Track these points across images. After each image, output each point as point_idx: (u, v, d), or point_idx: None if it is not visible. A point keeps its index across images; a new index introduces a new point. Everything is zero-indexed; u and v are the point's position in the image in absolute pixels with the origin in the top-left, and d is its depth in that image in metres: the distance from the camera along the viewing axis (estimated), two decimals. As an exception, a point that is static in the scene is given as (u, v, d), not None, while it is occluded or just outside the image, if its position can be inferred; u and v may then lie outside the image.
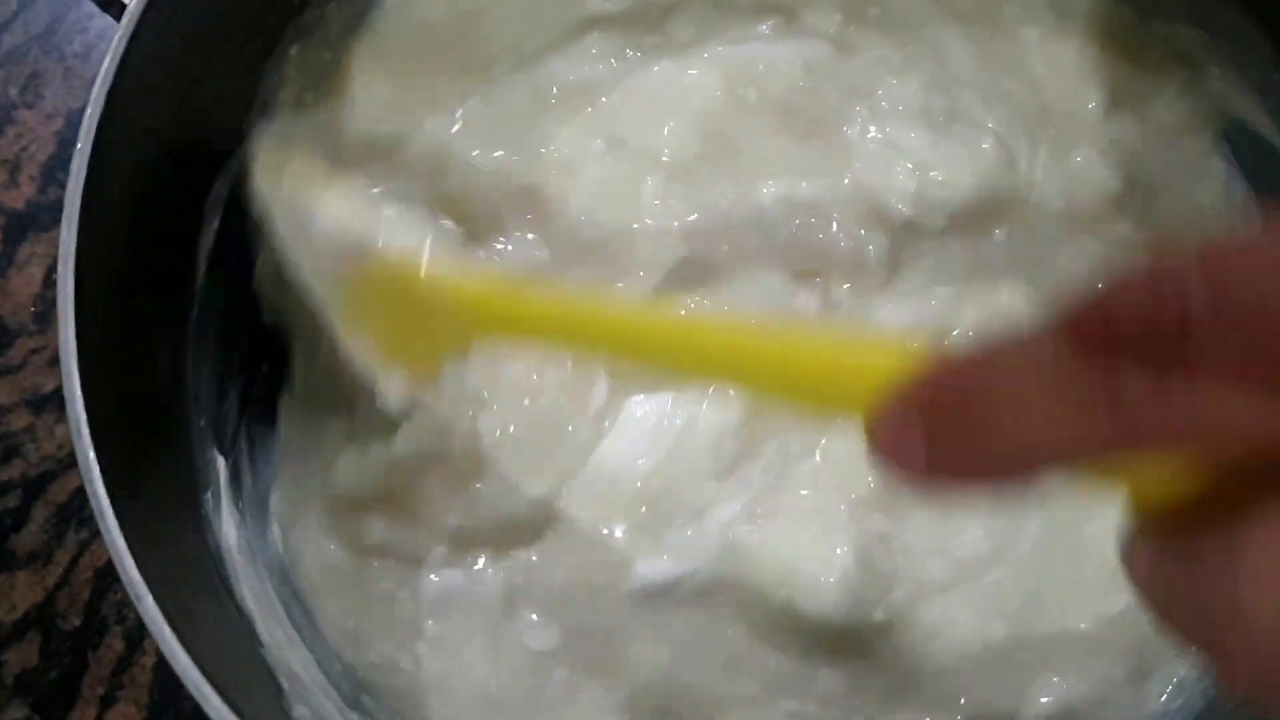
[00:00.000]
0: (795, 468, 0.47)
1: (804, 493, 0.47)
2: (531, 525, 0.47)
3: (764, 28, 0.51)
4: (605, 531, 0.46)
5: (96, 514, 0.38)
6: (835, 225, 0.48)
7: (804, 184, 0.48)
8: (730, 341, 0.31)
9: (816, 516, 0.46)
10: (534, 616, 0.47)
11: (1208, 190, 0.52)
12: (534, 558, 0.47)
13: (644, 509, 0.47)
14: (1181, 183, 0.52)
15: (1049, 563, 0.46)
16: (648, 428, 0.47)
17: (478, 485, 0.47)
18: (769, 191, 0.48)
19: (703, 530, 0.46)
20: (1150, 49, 0.52)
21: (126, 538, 0.37)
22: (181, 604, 0.39)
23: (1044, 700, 0.46)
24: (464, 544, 0.47)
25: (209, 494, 0.46)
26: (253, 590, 0.46)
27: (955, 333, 0.48)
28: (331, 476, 0.48)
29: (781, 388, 0.30)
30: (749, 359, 0.30)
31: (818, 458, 0.47)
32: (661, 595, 0.46)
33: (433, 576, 0.47)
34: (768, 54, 0.50)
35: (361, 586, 0.48)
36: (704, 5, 0.51)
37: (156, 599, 0.37)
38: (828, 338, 0.29)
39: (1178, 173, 0.52)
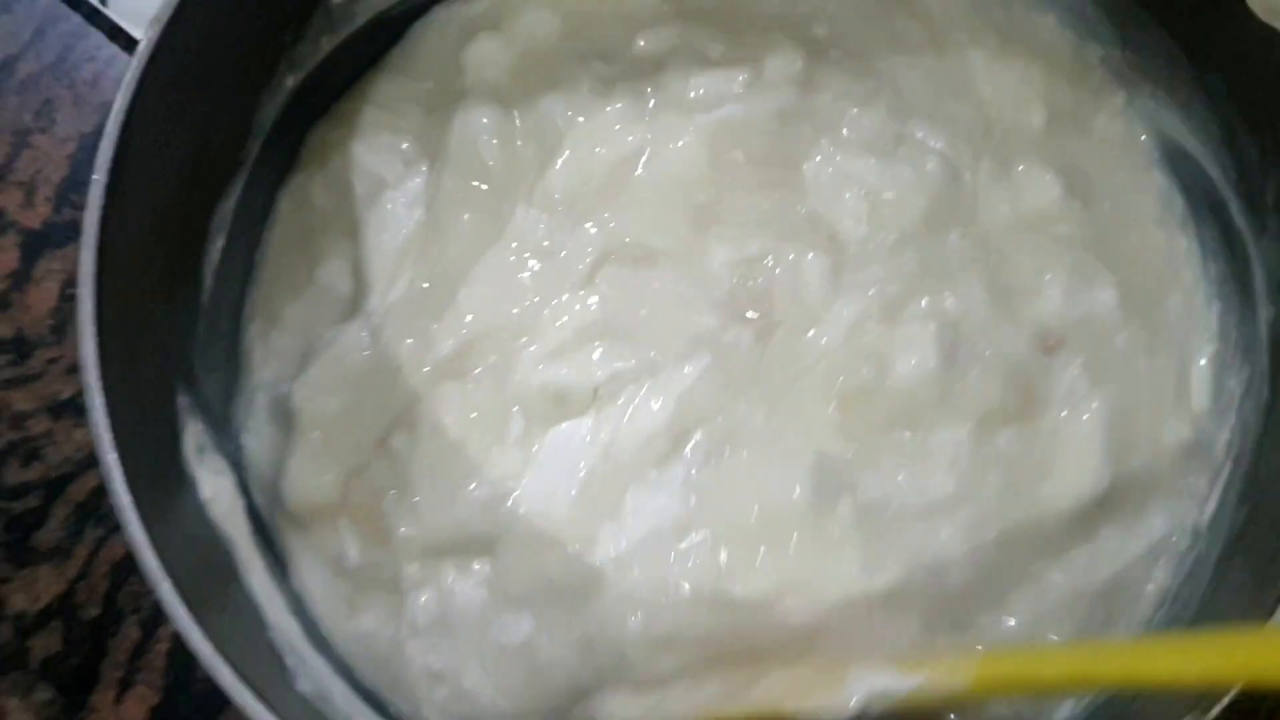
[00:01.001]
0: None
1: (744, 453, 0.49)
2: (484, 535, 0.49)
3: (736, 85, 0.53)
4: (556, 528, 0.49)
5: (116, 508, 0.41)
6: (777, 268, 0.51)
7: (754, 243, 0.51)
8: None
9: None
10: (508, 617, 0.49)
11: (1148, 202, 0.55)
12: (491, 566, 0.49)
13: (591, 498, 0.49)
14: (1122, 193, 0.55)
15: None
16: (575, 446, 0.49)
17: (416, 498, 0.49)
18: (719, 256, 0.51)
19: (659, 489, 0.49)
20: (1089, 71, 0.56)
21: (146, 529, 0.41)
22: (194, 590, 0.42)
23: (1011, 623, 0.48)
24: (430, 556, 0.49)
25: (214, 493, 0.49)
26: (260, 582, 0.49)
27: (908, 313, 0.51)
28: (282, 487, 0.51)
29: None
30: None
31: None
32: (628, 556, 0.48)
33: (420, 600, 0.49)
34: (744, 112, 0.52)
35: (354, 619, 0.50)
36: (686, 59, 0.54)
37: (174, 583, 0.40)
38: None
39: (1118, 184, 0.55)
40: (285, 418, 0.51)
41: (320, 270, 0.54)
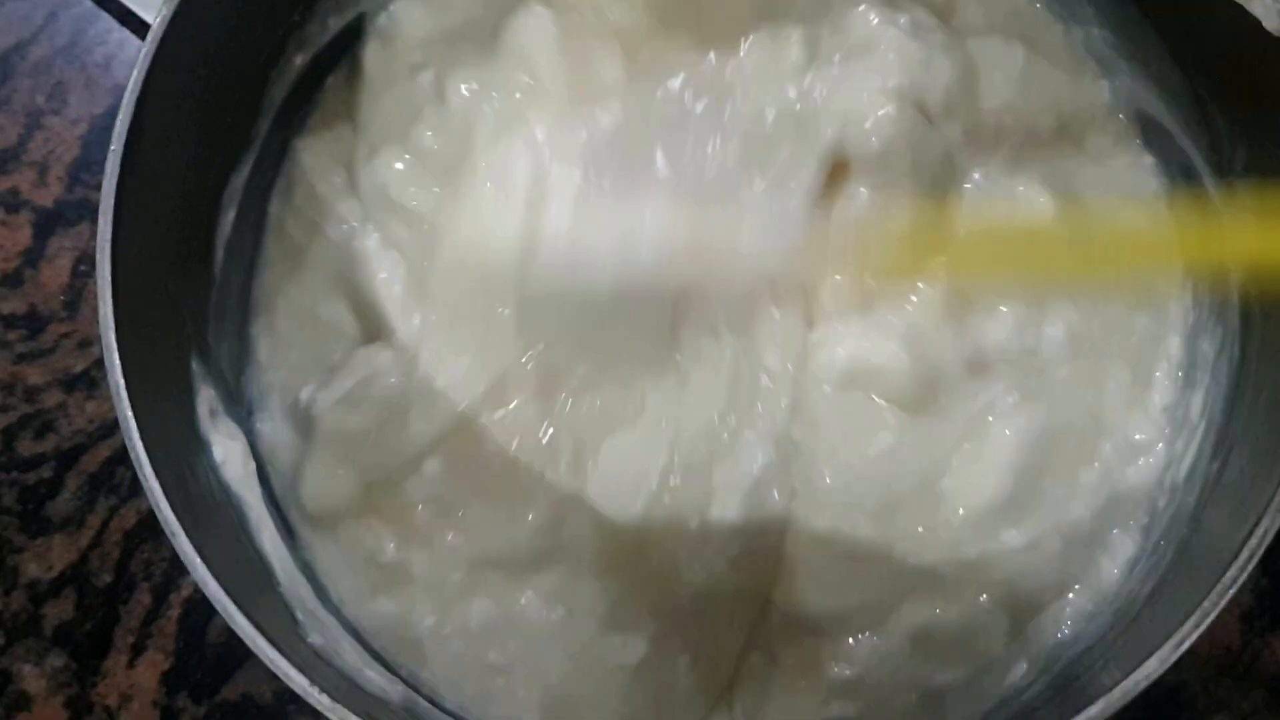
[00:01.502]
0: None
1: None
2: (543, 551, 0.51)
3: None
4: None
5: (135, 463, 0.43)
6: None
7: None
8: None
9: None
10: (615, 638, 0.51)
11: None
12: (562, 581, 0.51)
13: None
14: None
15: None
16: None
17: (460, 513, 0.51)
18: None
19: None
20: (1073, 48, 0.57)
21: (161, 482, 0.43)
22: (208, 542, 0.44)
23: (912, 619, 0.50)
24: (479, 567, 0.51)
25: (225, 456, 0.51)
26: (271, 542, 0.51)
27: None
28: (300, 490, 0.52)
29: None
30: None
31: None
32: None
33: (472, 607, 0.51)
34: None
35: (375, 601, 0.52)
36: None
37: (188, 535, 0.42)
38: None
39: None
40: (304, 423, 0.52)
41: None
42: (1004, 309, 0.53)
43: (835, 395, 0.52)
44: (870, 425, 0.52)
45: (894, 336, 0.52)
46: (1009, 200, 0.54)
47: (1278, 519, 0.41)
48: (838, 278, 0.52)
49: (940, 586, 0.51)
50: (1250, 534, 0.41)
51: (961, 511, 0.51)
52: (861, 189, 0.52)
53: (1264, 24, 0.45)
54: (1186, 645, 0.40)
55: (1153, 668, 0.40)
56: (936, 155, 0.53)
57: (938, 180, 0.53)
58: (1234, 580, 0.40)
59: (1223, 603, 0.40)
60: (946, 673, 0.51)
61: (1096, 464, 0.53)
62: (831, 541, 0.51)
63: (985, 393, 0.52)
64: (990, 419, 0.52)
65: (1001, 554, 0.51)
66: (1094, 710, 0.40)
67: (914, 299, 0.52)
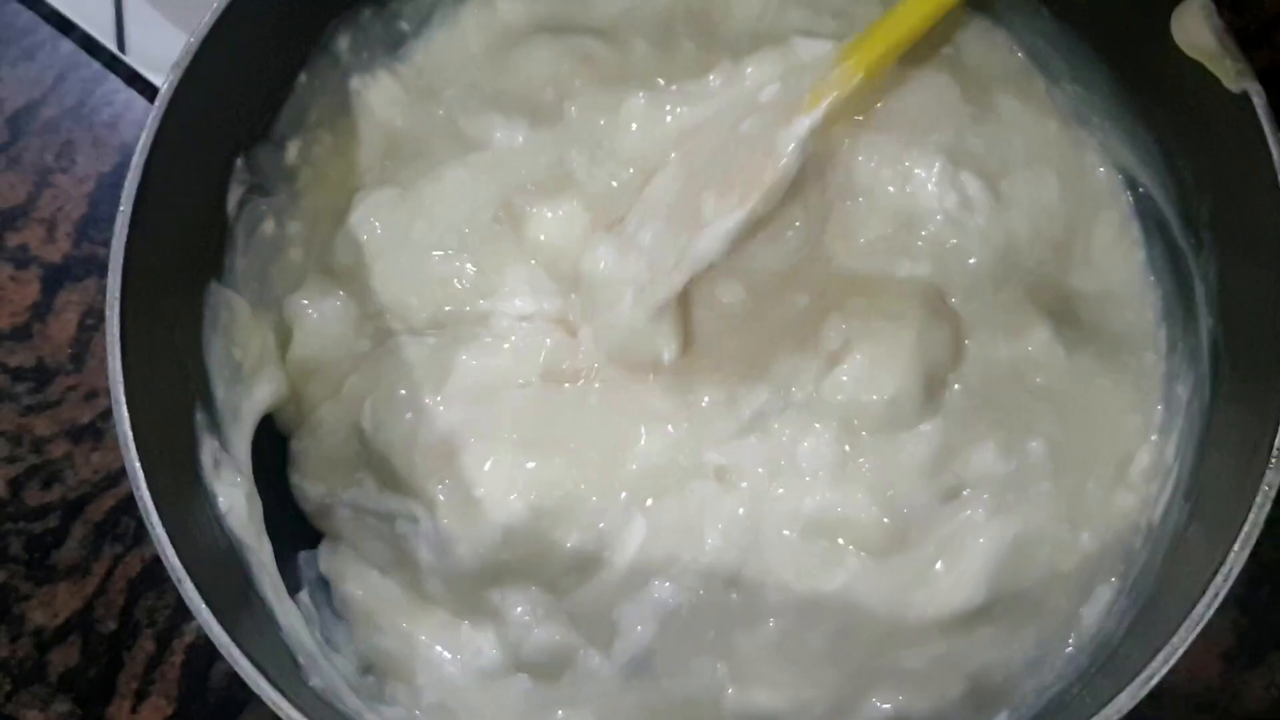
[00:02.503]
0: None
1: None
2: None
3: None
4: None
5: (142, 512, 0.45)
6: None
7: None
8: None
9: None
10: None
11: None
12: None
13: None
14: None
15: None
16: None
17: None
18: None
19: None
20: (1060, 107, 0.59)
21: (168, 532, 0.44)
22: (213, 589, 0.45)
23: (884, 707, 0.51)
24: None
25: (230, 504, 0.52)
26: (273, 586, 0.52)
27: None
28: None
29: None
30: None
31: None
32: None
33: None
34: None
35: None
36: None
37: (194, 582, 0.44)
38: None
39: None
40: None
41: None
42: (989, 443, 0.52)
43: (798, 541, 0.52)
44: (827, 563, 0.52)
45: (864, 486, 0.52)
46: None
47: (1243, 556, 0.43)
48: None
49: (908, 679, 0.51)
50: (1217, 571, 0.42)
51: (933, 615, 0.51)
52: None
53: (1223, 83, 0.47)
54: (1156, 680, 0.41)
55: (1123, 703, 0.41)
56: None
57: None
58: (1201, 617, 0.42)
59: (1190, 637, 0.41)
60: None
61: (1076, 554, 0.52)
62: (781, 649, 0.52)
63: (960, 515, 0.52)
64: (963, 533, 0.52)
65: (974, 647, 0.52)
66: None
67: (899, 455, 0.52)
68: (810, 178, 0.53)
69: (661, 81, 0.57)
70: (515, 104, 0.58)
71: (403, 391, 0.55)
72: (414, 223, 0.57)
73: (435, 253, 0.57)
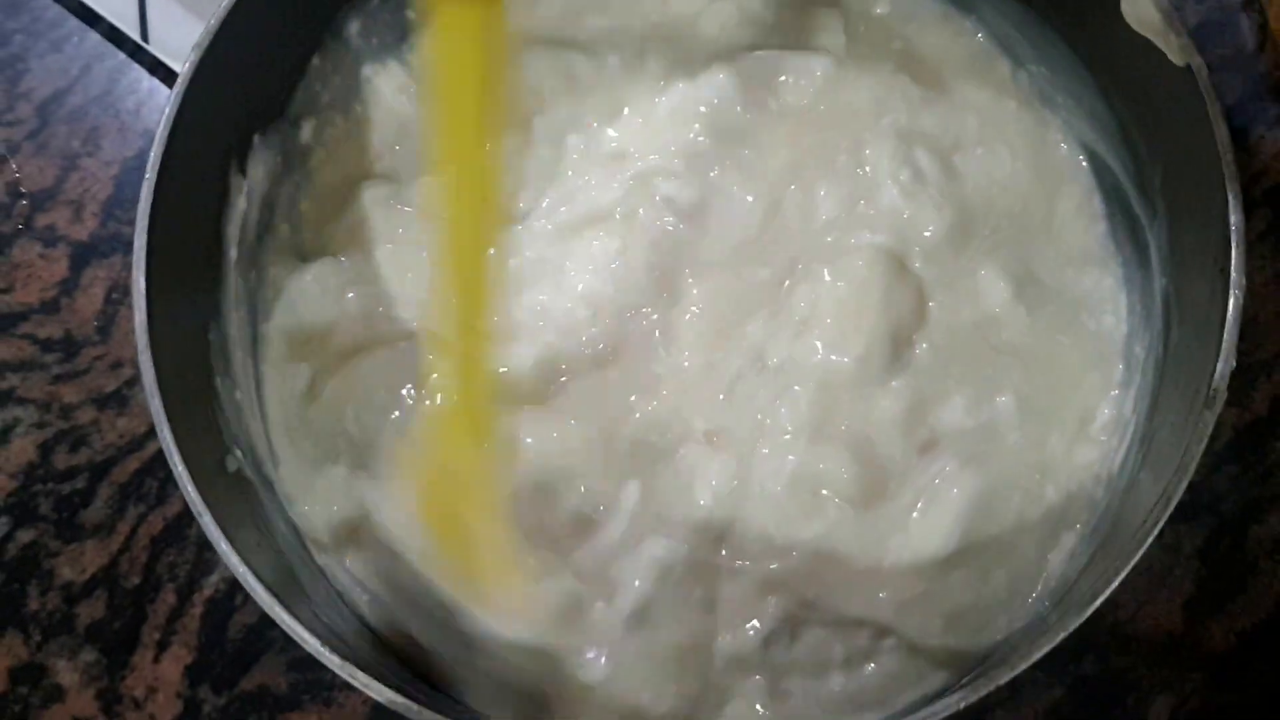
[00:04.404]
0: None
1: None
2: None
3: None
4: None
5: (165, 450, 0.48)
6: None
7: None
8: None
9: None
10: None
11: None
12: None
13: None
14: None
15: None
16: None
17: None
18: None
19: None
20: (1022, 89, 0.62)
21: (189, 469, 0.48)
22: (231, 528, 0.49)
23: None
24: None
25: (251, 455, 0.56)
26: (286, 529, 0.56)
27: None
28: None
29: None
30: None
31: None
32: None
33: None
34: None
35: None
36: None
37: (213, 515, 0.47)
38: None
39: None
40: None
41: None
42: (958, 398, 0.56)
43: (783, 495, 0.55)
44: (809, 513, 0.55)
45: (842, 441, 0.55)
46: None
47: (1182, 485, 0.46)
48: None
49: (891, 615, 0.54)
50: (1159, 501, 0.46)
51: (908, 560, 0.54)
52: None
53: (1169, 58, 0.51)
54: (1105, 597, 0.44)
55: (1072, 623, 0.44)
56: None
57: None
58: (1145, 537, 0.45)
59: (1136, 557, 0.44)
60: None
61: (1043, 504, 0.55)
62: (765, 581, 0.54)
63: (935, 465, 0.55)
64: (938, 483, 0.55)
65: (950, 590, 0.54)
66: (1003, 679, 0.44)
67: (874, 411, 0.55)
68: (767, 162, 0.57)
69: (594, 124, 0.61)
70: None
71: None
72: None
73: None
